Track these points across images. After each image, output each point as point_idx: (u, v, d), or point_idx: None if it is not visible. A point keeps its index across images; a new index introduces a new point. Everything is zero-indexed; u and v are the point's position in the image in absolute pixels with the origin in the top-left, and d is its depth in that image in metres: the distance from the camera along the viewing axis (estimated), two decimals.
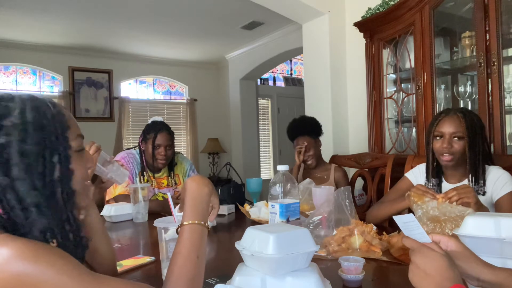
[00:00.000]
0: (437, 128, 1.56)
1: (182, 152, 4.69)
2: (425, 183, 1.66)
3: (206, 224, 0.84)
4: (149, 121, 2.32)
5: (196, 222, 0.82)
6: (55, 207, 0.69)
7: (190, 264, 0.77)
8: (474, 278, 0.77)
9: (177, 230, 0.83)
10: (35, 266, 0.58)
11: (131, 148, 2.39)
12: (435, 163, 1.64)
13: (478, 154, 1.52)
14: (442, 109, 2.08)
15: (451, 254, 0.76)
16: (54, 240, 0.68)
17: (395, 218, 0.81)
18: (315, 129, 2.39)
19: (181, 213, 0.86)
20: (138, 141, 2.33)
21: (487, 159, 1.56)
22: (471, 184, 1.54)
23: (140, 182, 2.22)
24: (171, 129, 2.32)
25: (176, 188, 2.33)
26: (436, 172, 1.64)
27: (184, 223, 0.82)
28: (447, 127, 1.53)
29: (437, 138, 1.56)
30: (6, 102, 0.69)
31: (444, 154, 1.54)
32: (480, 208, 1.31)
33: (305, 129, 2.38)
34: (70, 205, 0.72)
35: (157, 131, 2.22)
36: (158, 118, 2.34)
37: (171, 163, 2.33)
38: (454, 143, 1.52)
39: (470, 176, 1.55)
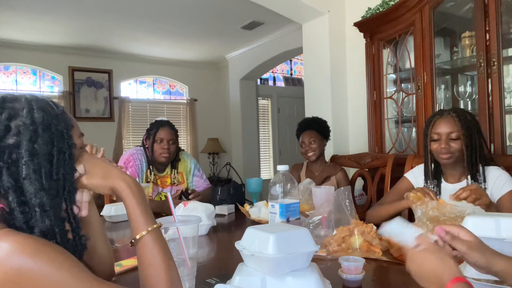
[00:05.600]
0: (433, 130, 1.58)
1: None
2: (424, 184, 1.66)
3: (158, 223, 0.78)
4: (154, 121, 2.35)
5: (155, 226, 0.76)
6: (57, 206, 0.69)
7: (165, 270, 0.73)
8: (485, 267, 0.77)
9: (132, 243, 0.75)
10: (35, 261, 0.59)
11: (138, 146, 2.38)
12: (433, 164, 1.65)
13: (476, 152, 1.53)
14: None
15: (462, 244, 0.78)
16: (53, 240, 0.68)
17: (380, 232, 0.88)
18: (323, 128, 2.42)
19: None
20: (142, 140, 2.33)
21: (485, 157, 1.57)
22: (470, 182, 1.54)
23: (147, 179, 2.22)
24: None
25: (178, 186, 2.32)
26: (435, 173, 1.65)
27: (143, 233, 0.74)
28: (443, 128, 1.55)
29: (434, 140, 1.58)
30: (10, 103, 0.70)
31: (443, 154, 1.55)
32: (489, 209, 1.33)
33: (312, 125, 2.41)
34: (70, 202, 0.73)
35: (159, 126, 2.25)
36: (163, 119, 2.36)
37: (173, 160, 2.32)
38: (451, 143, 1.53)
39: (468, 175, 1.56)
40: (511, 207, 1.44)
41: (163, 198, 2.23)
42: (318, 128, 2.39)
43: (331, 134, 2.47)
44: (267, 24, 4.67)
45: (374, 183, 2.24)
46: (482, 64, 2.06)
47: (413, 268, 0.77)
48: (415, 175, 1.73)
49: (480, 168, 1.54)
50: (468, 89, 2.32)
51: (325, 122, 2.45)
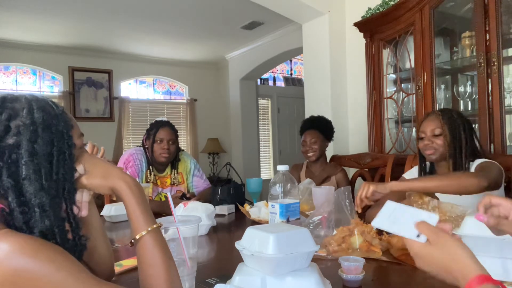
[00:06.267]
0: (420, 129, 1.65)
1: None
2: None
3: (158, 223, 0.77)
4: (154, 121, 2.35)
5: (154, 226, 0.75)
6: (57, 206, 0.69)
7: (165, 270, 0.73)
8: None
9: (132, 243, 0.75)
10: (35, 262, 0.59)
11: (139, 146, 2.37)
12: (429, 164, 1.69)
13: (461, 150, 1.55)
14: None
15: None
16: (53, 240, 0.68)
17: (373, 225, 0.78)
18: (327, 129, 2.40)
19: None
20: (141, 140, 2.33)
21: (475, 153, 1.58)
22: None
23: (147, 180, 2.23)
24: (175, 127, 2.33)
25: (178, 186, 2.32)
26: (430, 172, 1.67)
27: (143, 232, 0.74)
28: (426, 126, 1.63)
29: (421, 138, 1.64)
30: (10, 103, 0.70)
31: (427, 150, 1.61)
32: (378, 185, 1.42)
33: (316, 124, 2.40)
34: (70, 203, 0.73)
35: (159, 126, 2.26)
36: (163, 119, 2.36)
37: (173, 160, 2.32)
38: (435, 139, 1.59)
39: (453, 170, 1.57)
40: (481, 167, 1.47)
41: (163, 199, 2.23)
42: (322, 129, 2.38)
43: None
44: (267, 24, 4.67)
45: None
46: (482, 64, 2.06)
47: (423, 266, 0.69)
48: (413, 175, 1.74)
49: (466, 164, 1.55)
50: (468, 89, 2.33)
51: (329, 122, 2.43)
